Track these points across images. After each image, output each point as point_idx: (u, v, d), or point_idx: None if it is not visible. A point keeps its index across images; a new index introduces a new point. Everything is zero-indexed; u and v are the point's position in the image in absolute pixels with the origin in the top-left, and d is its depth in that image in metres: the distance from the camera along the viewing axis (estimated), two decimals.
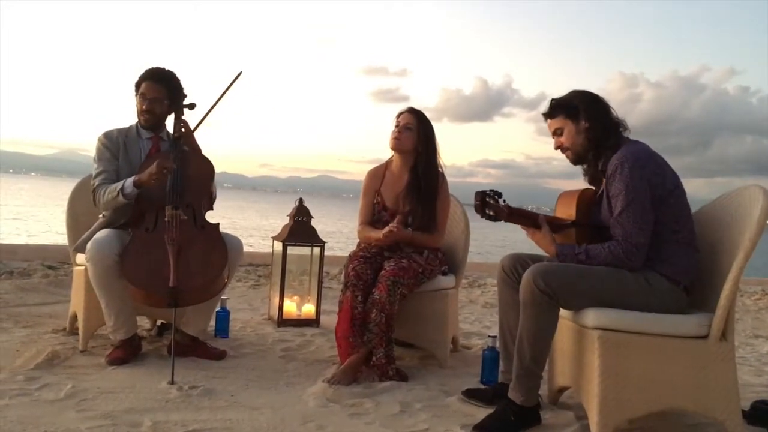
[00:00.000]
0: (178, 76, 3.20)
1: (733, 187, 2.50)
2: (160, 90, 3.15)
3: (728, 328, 2.23)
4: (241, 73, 3.21)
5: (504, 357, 2.64)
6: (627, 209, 2.28)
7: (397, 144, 3.24)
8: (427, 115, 3.30)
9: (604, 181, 2.42)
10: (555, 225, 2.54)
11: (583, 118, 2.47)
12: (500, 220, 2.46)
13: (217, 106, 3.19)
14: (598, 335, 2.22)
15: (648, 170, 2.31)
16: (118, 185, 3.00)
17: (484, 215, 2.46)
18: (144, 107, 3.16)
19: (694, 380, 2.23)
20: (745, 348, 4.29)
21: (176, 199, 2.99)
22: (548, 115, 2.57)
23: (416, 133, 3.23)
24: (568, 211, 2.55)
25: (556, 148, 2.58)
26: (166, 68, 3.20)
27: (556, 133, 2.56)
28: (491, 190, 2.47)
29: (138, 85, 3.17)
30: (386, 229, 3.09)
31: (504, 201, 2.49)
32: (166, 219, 2.93)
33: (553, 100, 2.56)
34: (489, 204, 2.45)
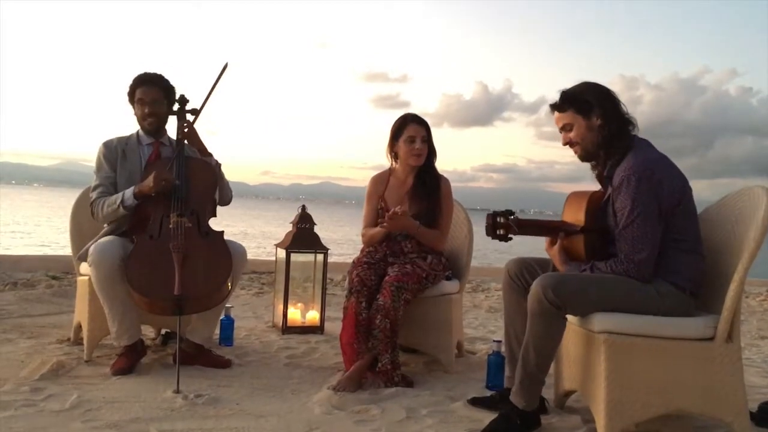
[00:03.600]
0: (168, 77, 3.24)
1: (736, 188, 2.49)
2: (157, 92, 3.18)
3: (734, 329, 2.22)
4: (227, 64, 3.21)
5: (510, 362, 2.62)
6: (631, 225, 2.24)
7: (421, 160, 3.24)
8: (428, 120, 3.29)
9: (610, 188, 2.36)
10: (563, 230, 2.51)
11: (596, 115, 2.37)
12: (511, 237, 2.43)
13: (208, 101, 3.19)
14: (604, 339, 2.22)
15: (655, 182, 2.24)
16: (118, 197, 3.03)
17: (495, 236, 2.42)
18: (146, 111, 3.18)
19: (701, 382, 2.22)
20: (751, 349, 4.27)
21: (181, 207, 2.99)
22: (558, 108, 2.46)
23: (428, 143, 3.25)
24: (576, 216, 2.49)
25: (565, 144, 2.48)
26: (154, 71, 3.23)
27: (565, 128, 2.45)
28: (504, 210, 2.44)
29: (132, 93, 3.20)
30: (391, 211, 3.08)
31: (513, 217, 2.45)
32: (170, 226, 2.93)
33: (563, 92, 2.44)
34: (499, 224, 2.43)
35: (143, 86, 3.17)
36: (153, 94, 3.17)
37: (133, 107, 3.22)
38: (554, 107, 2.48)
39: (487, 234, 2.45)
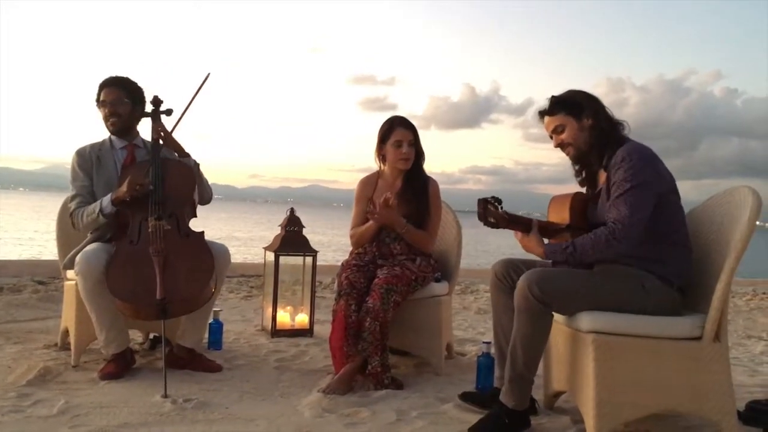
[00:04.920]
0: (135, 80, 3.23)
1: (721, 189, 2.51)
2: (118, 92, 3.17)
3: (721, 329, 2.24)
4: (209, 74, 3.20)
5: (499, 362, 2.63)
6: (626, 193, 2.27)
7: (409, 164, 3.24)
8: (416, 123, 3.30)
9: (607, 174, 2.40)
10: (550, 230, 2.54)
11: (587, 116, 2.45)
12: (500, 228, 2.48)
13: (189, 109, 3.16)
14: (592, 339, 2.23)
15: (655, 162, 2.33)
16: (96, 206, 3.01)
17: (486, 223, 2.47)
18: (107, 111, 3.17)
19: (689, 382, 2.23)
20: (738, 348, 4.31)
21: (159, 210, 2.96)
22: (548, 112, 2.53)
23: (415, 146, 3.25)
24: (561, 215, 2.54)
25: (557, 145, 2.54)
26: (120, 75, 3.23)
27: (556, 130, 2.51)
28: (493, 197, 2.48)
29: (98, 99, 3.19)
30: (382, 198, 3.07)
31: (503, 208, 2.49)
32: (149, 230, 2.91)
33: (553, 97, 2.52)
34: (490, 211, 2.47)
35: (105, 88, 3.17)
36: (114, 94, 3.16)
37: (100, 111, 3.21)
38: (544, 112, 2.55)
39: (479, 219, 2.49)
